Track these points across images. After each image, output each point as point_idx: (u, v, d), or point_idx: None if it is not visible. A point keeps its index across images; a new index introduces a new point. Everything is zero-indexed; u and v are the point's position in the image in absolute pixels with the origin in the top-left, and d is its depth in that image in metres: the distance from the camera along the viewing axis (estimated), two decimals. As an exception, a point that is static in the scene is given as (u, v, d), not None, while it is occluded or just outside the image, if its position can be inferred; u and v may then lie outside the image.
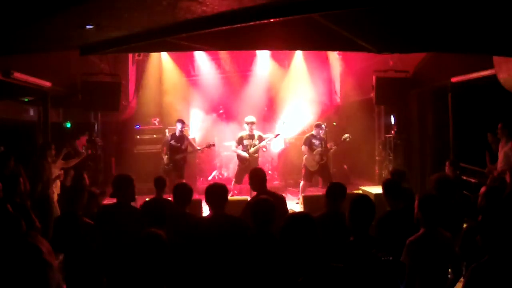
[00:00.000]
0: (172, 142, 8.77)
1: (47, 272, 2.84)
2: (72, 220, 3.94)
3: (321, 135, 8.69)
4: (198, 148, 9.07)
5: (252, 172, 4.88)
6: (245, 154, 8.41)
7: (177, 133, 8.78)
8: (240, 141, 8.50)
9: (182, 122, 8.86)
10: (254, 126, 8.48)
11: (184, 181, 7.90)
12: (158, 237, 2.42)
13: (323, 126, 8.70)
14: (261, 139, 8.53)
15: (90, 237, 3.86)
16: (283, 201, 4.85)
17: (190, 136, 9.32)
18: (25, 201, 4.85)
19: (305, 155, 8.69)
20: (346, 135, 8.76)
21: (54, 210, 6.35)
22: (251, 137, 8.47)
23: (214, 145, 9.32)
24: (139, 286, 2.36)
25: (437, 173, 4.73)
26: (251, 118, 8.59)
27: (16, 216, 3.13)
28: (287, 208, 4.88)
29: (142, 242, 2.41)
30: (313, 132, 8.74)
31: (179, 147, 8.72)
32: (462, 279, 3.01)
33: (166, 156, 8.73)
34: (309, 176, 8.68)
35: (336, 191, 4.08)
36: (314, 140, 8.66)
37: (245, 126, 8.51)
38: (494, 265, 2.61)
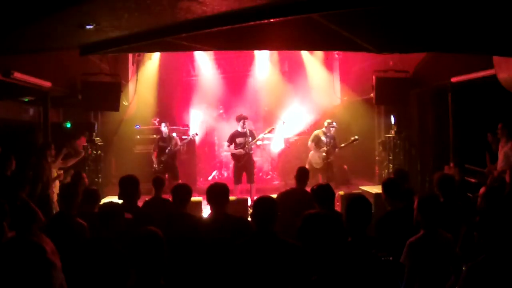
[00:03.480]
0: (160, 143, 8.79)
1: (51, 272, 2.84)
2: (65, 220, 3.92)
3: (332, 133, 8.65)
4: (180, 144, 8.90)
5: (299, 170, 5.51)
6: (240, 151, 8.39)
7: (164, 135, 8.81)
8: (232, 140, 8.46)
9: (165, 122, 8.90)
10: (246, 123, 8.45)
11: (180, 181, 7.91)
12: (155, 234, 2.45)
13: (334, 124, 8.67)
14: (252, 135, 8.52)
15: (82, 238, 3.82)
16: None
17: (190, 137, 9.29)
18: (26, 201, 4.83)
19: (311, 152, 8.66)
20: (355, 137, 8.70)
21: (54, 210, 6.35)
22: (243, 134, 8.45)
23: (196, 134, 9.32)
24: (137, 284, 2.37)
25: (438, 172, 4.73)
26: (242, 114, 8.58)
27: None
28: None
29: (139, 240, 2.43)
30: (324, 129, 8.71)
31: (167, 147, 8.73)
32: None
33: (155, 159, 8.77)
34: (313, 174, 8.63)
35: (322, 192, 4.09)
36: (323, 138, 8.62)
37: (237, 123, 8.49)
38: (490, 264, 2.61)
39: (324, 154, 8.54)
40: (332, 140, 8.64)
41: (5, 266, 2.78)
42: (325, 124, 8.81)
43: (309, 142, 8.73)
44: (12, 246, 2.95)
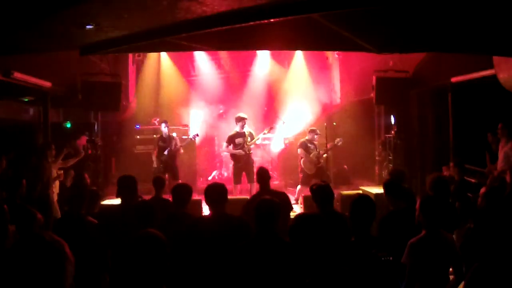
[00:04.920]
0: (160, 143, 8.79)
1: (65, 265, 2.80)
2: (77, 220, 3.93)
3: (315, 140, 8.71)
4: (179, 145, 8.90)
5: (259, 171, 5.27)
6: (240, 152, 8.39)
7: (164, 135, 8.81)
8: (231, 140, 8.46)
9: (165, 122, 8.88)
10: (245, 124, 8.45)
11: (180, 181, 7.91)
12: (157, 237, 2.41)
13: (317, 131, 8.74)
14: (251, 135, 8.52)
15: (95, 237, 3.85)
16: (287, 200, 4.89)
17: (190, 137, 9.29)
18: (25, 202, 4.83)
19: (302, 159, 8.69)
20: (338, 139, 8.85)
21: (54, 210, 6.35)
22: (242, 135, 8.45)
23: (197, 135, 9.28)
24: (139, 286, 2.35)
25: (432, 173, 4.73)
26: (241, 115, 8.57)
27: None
28: (291, 206, 4.88)
29: (140, 242, 2.40)
30: (308, 137, 8.77)
31: (166, 147, 8.73)
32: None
33: (155, 159, 8.77)
34: (307, 180, 8.63)
35: (321, 192, 4.09)
36: (309, 145, 8.69)
37: (236, 124, 8.48)
38: (495, 264, 2.61)
39: (315, 158, 8.60)
40: (317, 147, 8.72)
41: (22, 263, 2.73)
42: (308, 132, 8.89)
43: (298, 150, 8.76)
44: (31, 243, 2.91)
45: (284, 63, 12.00)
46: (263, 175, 5.18)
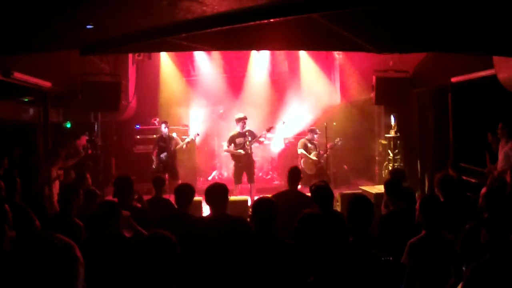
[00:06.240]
0: (160, 143, 8.83)
1: (78, 268, 2.79)
2: (62, 220, 3.91)
3: (315, 139, 8.72)
4: (181, 143, 8.92)
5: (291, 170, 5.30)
6: (240, 151, 8.39)
7: (164, 135, 8.83)
8: (232, 140, 8.46)
9: (165, 122, 8.92)
10: (245, 123, 8.45)
11: (179, 181, 7.91)
12: (167, 237, 2.36)
13: (317, 130, 8.75)
14: (252, 135, 8.52)
15: (78, 239, 3.82)
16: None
17: (191, 136, 9.29)
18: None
19: (302, 159, 8.69)
20: (338, 139, 8.87)
21: (53, 210, 6.34)
22: (242, 135, 8.45)
23: (198, 134, 9.31)
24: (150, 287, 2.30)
25: (439, 172, 4.73)
26: (241, 115, 8.57)
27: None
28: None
29: (151, 243, 2.35)
30: (307, 137, 8.78)
31: (166, 147, 8.74)
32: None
33: (155, 159, 8.80)
34: (307, 180, 8.61)
35: (320, 192, 4.09)
36: (309, 144, 8.70)
37: (237, 124, 8.49)
38: (494, 264, 2.61)
39: (315, 158, 8.61)
40: (317, 147, 8.75)
41: (30, 268, 2.73)
42: (307, 131, 8.95)
43: (299, 151, 8.77)
44: (37, 246, 2.91)
45: (285, 63, 11.99)
46: (294, 175, 5.15)
